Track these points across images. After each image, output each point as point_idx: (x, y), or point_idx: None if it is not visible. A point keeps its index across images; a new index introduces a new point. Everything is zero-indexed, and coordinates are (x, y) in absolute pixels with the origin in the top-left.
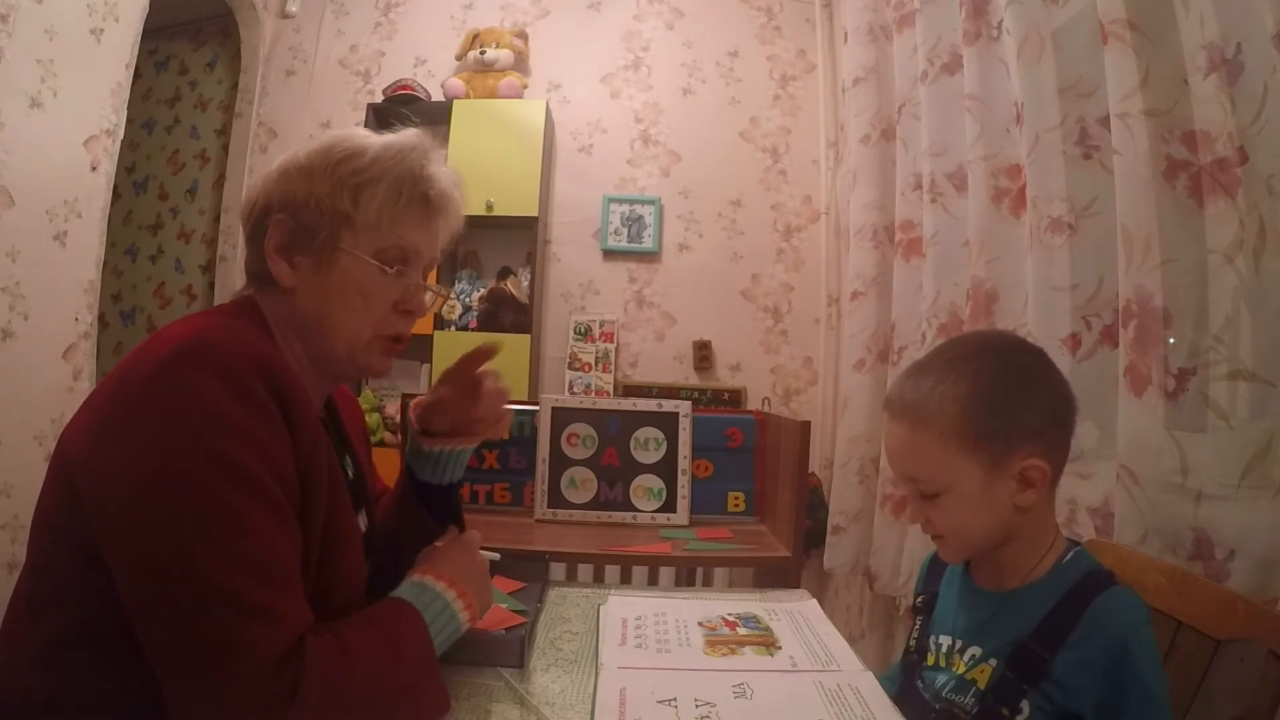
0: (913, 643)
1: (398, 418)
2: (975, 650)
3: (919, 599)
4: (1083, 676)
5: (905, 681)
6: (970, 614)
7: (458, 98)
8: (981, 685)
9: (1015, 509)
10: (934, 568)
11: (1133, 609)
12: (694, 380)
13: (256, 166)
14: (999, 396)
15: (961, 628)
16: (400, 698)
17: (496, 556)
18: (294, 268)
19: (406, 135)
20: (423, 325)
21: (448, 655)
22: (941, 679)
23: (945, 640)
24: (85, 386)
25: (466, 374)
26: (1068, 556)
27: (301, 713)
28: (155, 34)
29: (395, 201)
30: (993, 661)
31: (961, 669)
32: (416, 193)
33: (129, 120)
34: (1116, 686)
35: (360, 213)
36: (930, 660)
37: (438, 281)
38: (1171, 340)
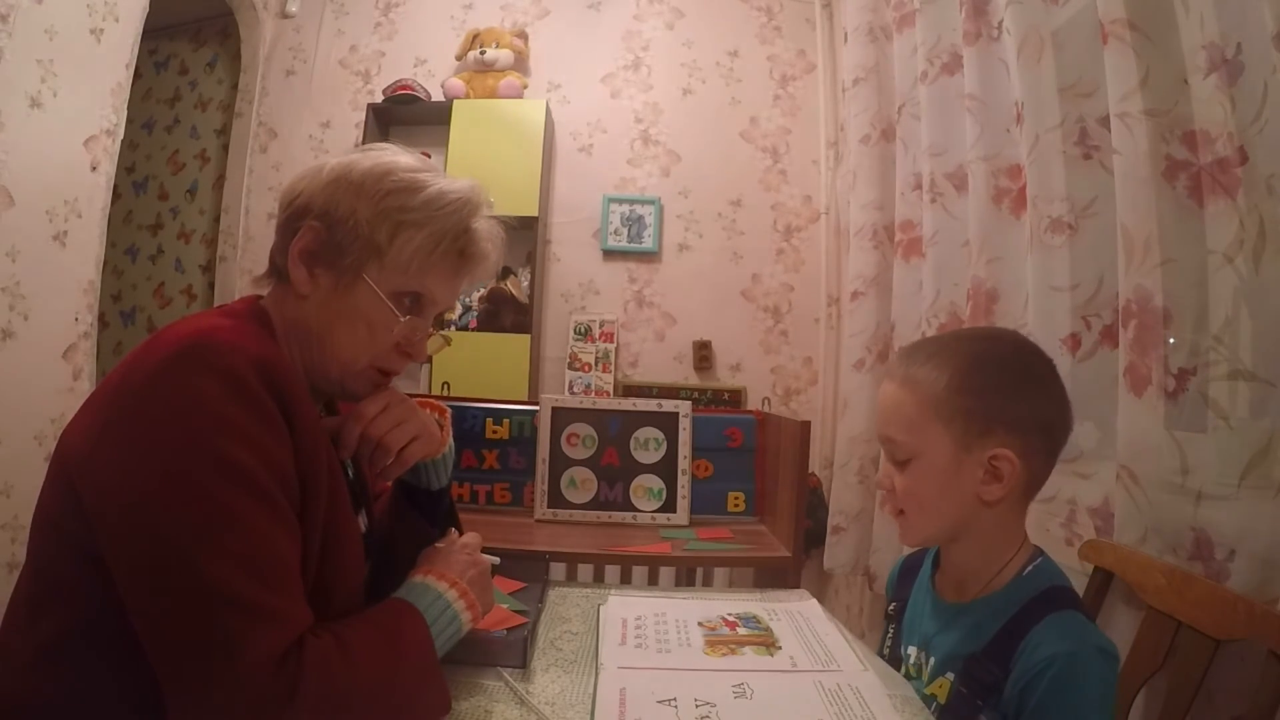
0: (885, 651)
1: None
2: (933, 662)
3: (891, 607)
4: (1022, 698)
5: None
6: (930, 624)
7: (458, 98)
8: (942, 700)
9: (978, 500)
10: (904, 575)
11: (1073, 635)
12: (694, 380)
13: (256, 166)
14: (988, 381)
15: (922, 638)
16: (400, 698)
17: (497, 561)
18: (313, 278)
19: (461, 185)
20: None
21: (449, 656)
22: None
23: (912, 651)
24: (85, 386)
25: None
26: (1028, 570)
27: (300, 713)
28: (155, 34)
29: (430, 251)
30: (950, 675)
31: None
32: (454, 248)
33: (129, 120)
34: (1040, 707)
35: (393, 251)
36: (902, 671)
37: None
38: (1171, 340)
